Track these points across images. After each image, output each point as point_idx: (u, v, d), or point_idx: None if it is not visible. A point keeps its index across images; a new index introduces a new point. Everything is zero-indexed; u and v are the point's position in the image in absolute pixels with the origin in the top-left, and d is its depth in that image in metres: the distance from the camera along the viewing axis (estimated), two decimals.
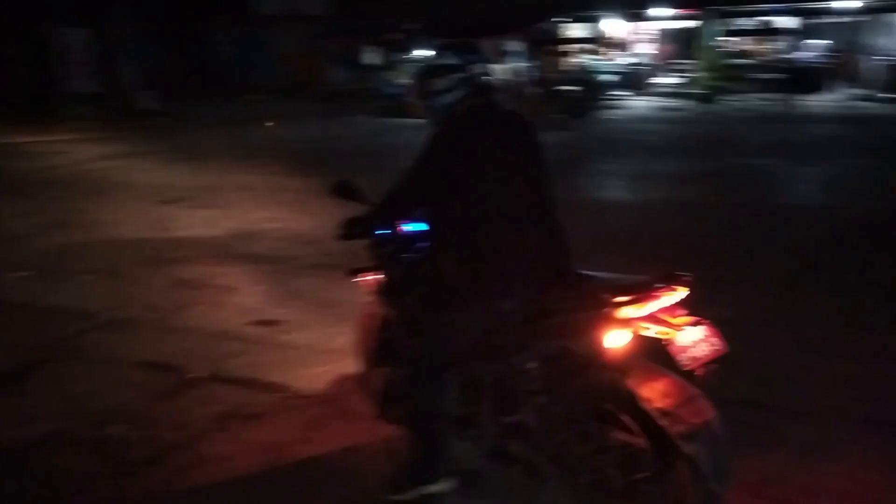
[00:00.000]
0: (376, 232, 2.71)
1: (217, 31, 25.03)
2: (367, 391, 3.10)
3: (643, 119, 17.38)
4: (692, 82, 20.13)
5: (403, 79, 19.67)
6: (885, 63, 20.08)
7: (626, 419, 2.22)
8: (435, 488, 2.53)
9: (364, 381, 3.19)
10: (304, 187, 8.89)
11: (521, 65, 20.85)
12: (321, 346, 4.17)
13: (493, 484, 2.68)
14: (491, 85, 2.55)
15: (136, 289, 5.39)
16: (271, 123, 17.39)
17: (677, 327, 2.15)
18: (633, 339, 2.21)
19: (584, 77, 19.49)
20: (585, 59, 21.54)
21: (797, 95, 18.20)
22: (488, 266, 2.38)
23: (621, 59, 22.25)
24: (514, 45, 22.28)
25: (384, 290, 2.85)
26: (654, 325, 2.18)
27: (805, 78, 18.72)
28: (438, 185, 2.43)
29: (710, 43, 21.76)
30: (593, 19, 22.83)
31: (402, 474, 2.56)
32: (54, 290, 5.39)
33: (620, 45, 22.56)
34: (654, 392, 2.16)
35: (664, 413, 2.10)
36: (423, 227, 2.67)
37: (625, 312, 2.18)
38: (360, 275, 2.99)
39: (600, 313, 2.21)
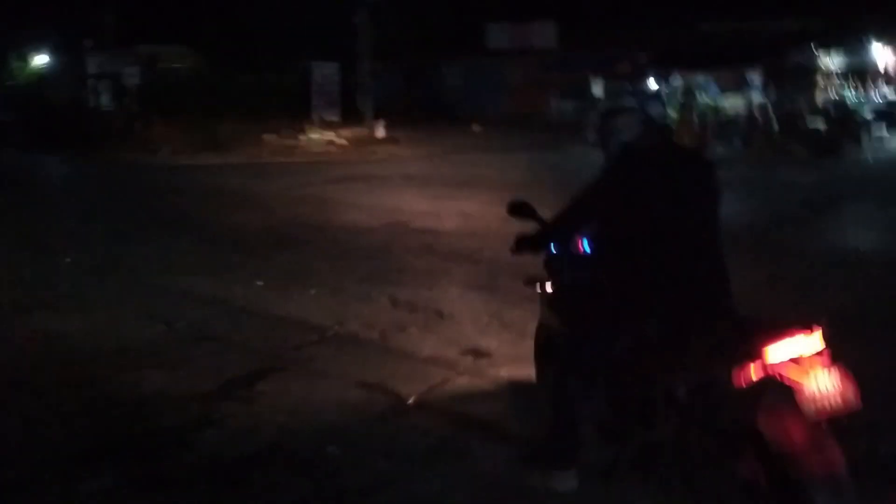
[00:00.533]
0: (550, 248, 2.99)
1: (448, 64, 26.32)
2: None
3: None
4: None
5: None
6: None
7: (752, 457, 2.22)
8: (560, 478, 2.75)
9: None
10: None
11: (760, 97, 19.20)
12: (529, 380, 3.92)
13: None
14: (667, 126, 2.82)
15: (358, 306, 5.58)
16: (479, 128, 17.60)
17: (807, 372, 2.09)
18: (769, 379, 2.17)
19: (837, 112, 17.42)
20: (845, 92, 19.24)
21: None
22: (640, 289, 2.57)
23: (889, 95, 19.52)
24: (754, 77, 20.67)
25: (551, 301, 3.14)
26: (788, 369, 2.13)
27: None
28: (604, 213, 2.67)
29: None
30: (856, 47, 20.39)
31: (534, 450, 2.86)
32: (286, 299, 5.76)
33: (887, 77, 19.86)
34: (783, 433, 2.12)
35: (788, 458, 2.09)
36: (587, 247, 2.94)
37: (766, 352, 2.16)
38: (534, 283, 3.28)
39: (742, 350, 2.22)
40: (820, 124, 16.61)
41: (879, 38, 19.80)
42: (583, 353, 2.70)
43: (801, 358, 2.13)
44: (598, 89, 20.09)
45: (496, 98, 25.44)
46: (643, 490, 2.63)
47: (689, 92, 18.34)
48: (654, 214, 2.55)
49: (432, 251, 7.45)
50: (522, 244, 2.99)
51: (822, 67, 20.71)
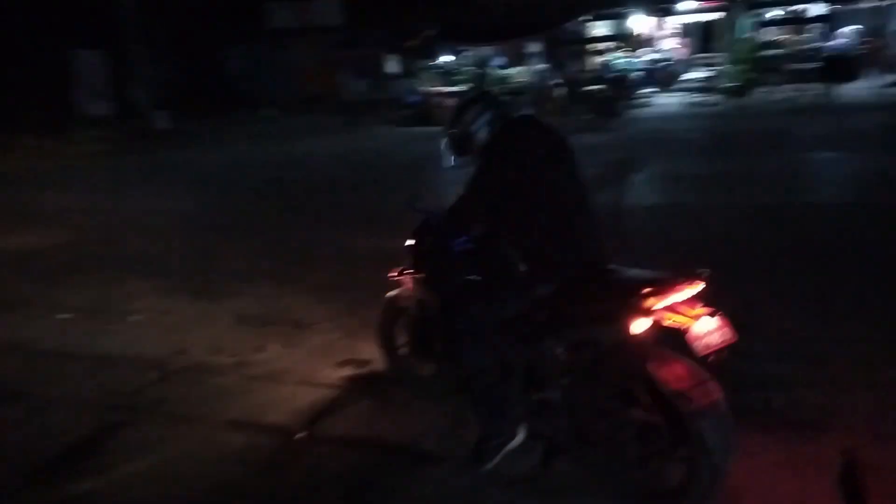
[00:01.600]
0: (453, 241, 2.96)
1: (230, 47, 24.57)
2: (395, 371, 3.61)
3: (676, 117, 16.74)
4: (722, 76, 19.48)
5: (426, 85, 19.20)
6: None
7: (645, 399, 2.45)
8: (516, 441, 2.81)
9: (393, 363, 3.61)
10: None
11: (544, 66, 20.29)
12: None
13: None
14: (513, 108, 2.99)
15: (198, 329, 4.83)
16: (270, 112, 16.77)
17: (694, 318, 2.34)
18: (653, 327, 2.40)
19: (612, 76, 18.90)
20: (611, 58, 20.93)
21: (833, 84, 17.52)
22: (538, 254, 2.66)
23: (647, 56, 21.62)
24: (534, 47, 21.77)
25: (426, 282, 3.17)
26: (674, 316, 2.36)
27: (840, 66, 17.96)
28: (499, 192, 2.70)
29: (740, 35, 21.15)
30: (618, 16, 22.26)
31: (481, 445, 2.80)
32: (103, 332, 4.83)
33: (646, 42, 21.95)
34: (669, 375, 2.37)
35: (678, 394, 2.33)
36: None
37: (648, 303, 2.36)
38: (403, 274, 3.31)
39: (626, 303, 2.41)
40: (599, 88, 17.86)
41: (637, 7, 21.75)
42: (476, 316, 2.74)
43: (686, 306, 2.38)
44: (392, 65, 19.96)
45: (285, 80, 24.28)
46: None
47: (482, 64, 18.81)
48: (545, 178, 2.69)
49: (269, 254, 6.77)
50: (422, 234, 3.17)
51: (593, 36, 22.39)
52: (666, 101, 19.63)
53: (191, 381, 4.01)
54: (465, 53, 20.53)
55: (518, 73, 20.38)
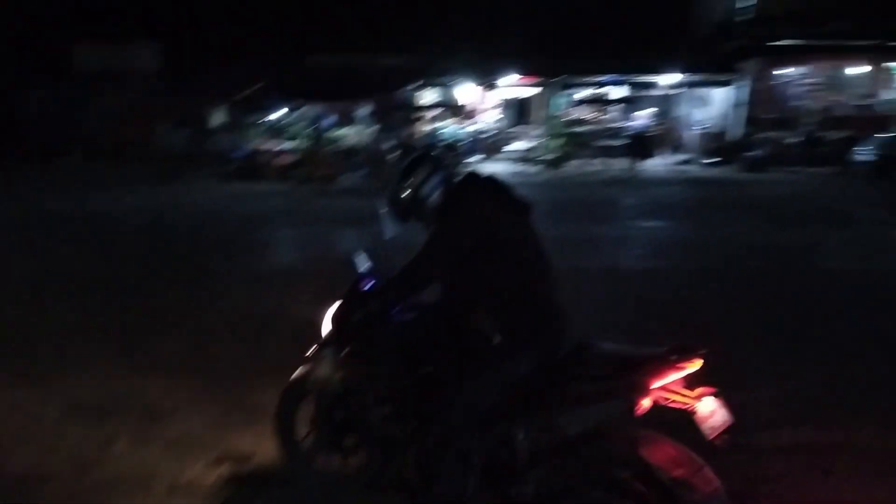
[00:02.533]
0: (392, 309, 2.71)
1: (31, 90, 21.97)
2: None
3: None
4: (540, 148, 20.88)
5: (254, 140, 18.47)
6: (701, 131, 22.34)
7: (640, 487, 2.25)
8: None
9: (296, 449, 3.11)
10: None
11: (376, 129, 20.48)
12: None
13: None
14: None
15: (18, 423, 3.94)
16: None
17: (696, 398, 2.21)
18: (648, 408, 2.25)
19: (443, 142, 19.50)
20: (439, 126, 21.63)
21: (635, 160, 19.45)
22: (515, 322, 2.42)
23: (472, 126, 22.64)
24: (364, 110, 21.92)
25: (356, 358, 2.77)
26: (677, 395, 2.24)
27: (641, 144, 20.10)
28: (464, 254, 2.46)
29: (555, 111, 22.91)
30: (446, 86, 23.15)
31: None
32: None
33: (471, 113, 22.99)
34: (666, 461, 2.21)
35: (678, 482, 2.16)
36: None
37: (647, 382, 2.22)
38: (323, 348, 2.84)
39: (623, 381, 2.26)
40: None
41: (464, 78, 22.81)
42: (458, 413, 2.44)
43: (683, 385, 2.25)
44: (218, 117, 18.99)
45: (95, 126, 22.12)
46: None
47: (316, 121, 18.51)
48: (512, 237, 2.51)
49: (98, 326, 5.83)
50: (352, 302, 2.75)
51: (422, 103, 23.08)
52: (490, 169, 20.58)
53: (10, 499, 3.20)
54: (297, 110, 20.12)
55: (350, 134, 20.34)
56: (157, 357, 5.01)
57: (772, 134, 19.65)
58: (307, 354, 2.94)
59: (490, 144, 22.89)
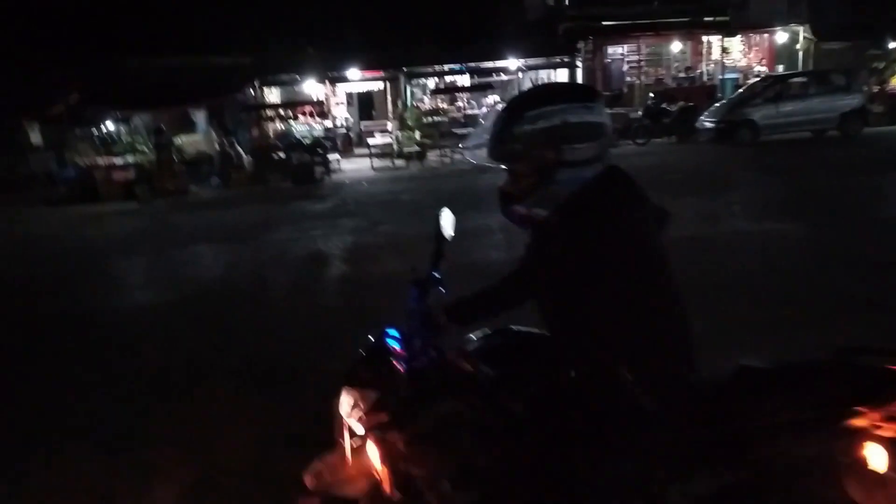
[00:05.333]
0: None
1: None
2: None
3: (376, 180, 16.72)
4: (398, 142, 20.29)
5: (84, 157, 16.13)
6: None
7: None
8: None
9: None
10: None
11: (222, 134, 18.76)
12: None
13: None
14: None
15: None
16: None
17: None
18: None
19: (308, 142, 18.31)
20: (290, 125, 20.28)
21: None
22: (652, 368, 1.74)
23: (325, 123, 21.52)
24: (201, 114, 20.05)
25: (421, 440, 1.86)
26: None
27: None
28: (591, 267, 1.71)
29: (407, 103, 22.40)
30: (290, 84, 21.80)
31: None
32: None
33: (320, 109, 21.83)
34: (886, 500, 1.69)
35: None
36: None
37: (863, 415, 1.66)
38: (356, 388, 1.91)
39: (834, 420, 1.69)
40: (292, 155, 17.07)
41: (308, 74, 21.60)
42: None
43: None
44: (35, 136, 16.37)
45: None
46: None
47: (159, 132, 16.50)
48: (660, 255, 1.79)
49: None
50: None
51: (267, 101, 21.57)
52: (352, 166, 19.66)
53: None
54: (128, 120, 17.88)
55: (193, 142, 18.49)
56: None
57: (619, 110, 20.49)
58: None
59: (345, 140, 21.96)
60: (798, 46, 23.28)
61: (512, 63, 23.23)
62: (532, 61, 23.72)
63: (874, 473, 1.73)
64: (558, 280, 1.78)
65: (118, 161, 15.75)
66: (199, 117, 19.78)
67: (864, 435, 1.71)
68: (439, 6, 24.21)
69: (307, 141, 18.23)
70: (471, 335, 2.06)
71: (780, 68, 23.06)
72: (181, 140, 18.16)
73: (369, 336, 2.00)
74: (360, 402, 1.84)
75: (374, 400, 1.82)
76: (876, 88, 19.37)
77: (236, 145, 17.93)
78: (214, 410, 4.01)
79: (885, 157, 13.05)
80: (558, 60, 23.75)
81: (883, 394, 1.67)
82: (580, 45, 23.47)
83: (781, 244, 7.00)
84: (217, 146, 18.07)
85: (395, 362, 1.86)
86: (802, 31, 22.96)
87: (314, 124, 20.57)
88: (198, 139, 18.82)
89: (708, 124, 17.31)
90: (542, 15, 25.14)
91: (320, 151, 17.30)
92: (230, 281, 7.61)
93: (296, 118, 20.93)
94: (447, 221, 2.13)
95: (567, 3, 23.83)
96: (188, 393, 4.31)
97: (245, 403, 4.07)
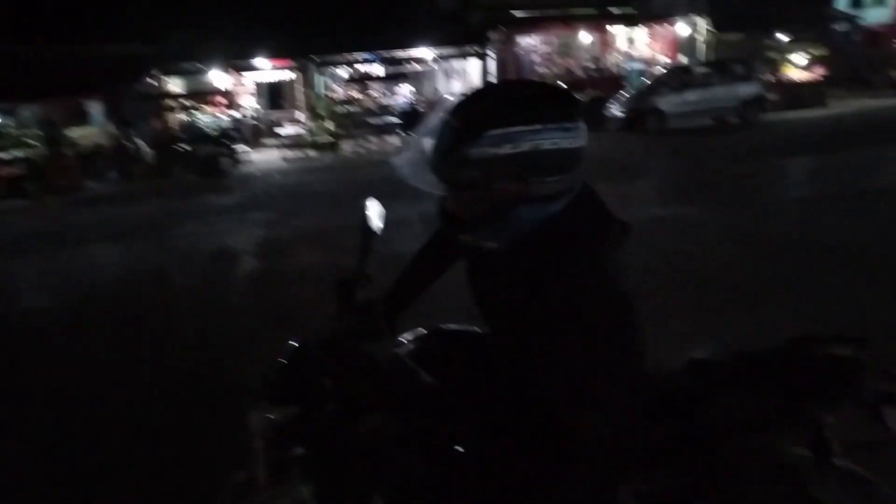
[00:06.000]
0: None
1: None
2: None
3: (288, 172, 16.17)
4: (310, 132, 19.71)
5: None
6: None
7: None
8: None
9: None
10: None
11: (117, 126, 17.66)
12: None
13: None
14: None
15: None
16: None
17: None
18: None
19: (214, 133, 17.49)
20: (193, 116, 19.32)
21: (410, 135, 19.21)
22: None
23: (231, 114, 20.64)
24: (93, 105, 18.83)
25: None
26: None
27: (413, 119, 19.94)
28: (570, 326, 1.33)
29: (318, 92, 21.80)
30: (192, 73, 20.72)
31: None
32: None
33: (226, 99, 20.92)
34: None
35: None
36: None
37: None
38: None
39: (792, 413, 1.63)
40: (197, 147, 16.27)
41: (211, 63, 20.63)
42: None
43: None
44: None
45: None
46: None
47: (50, 124, 15.33)
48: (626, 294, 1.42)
49: None
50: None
51: (168, 92, 20.47)
52: (261, 157, 18.97)
53: None
54: (10, 112, 16.54)
55: (88, 134, 17.33)
56: None
57: None
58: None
59: (252, 131, 21.15)
60: (699, 37, 24.19)
61: (425, 53, 23.02)
62: (444, 51, 23.59)
63: (834, 465, 1.67)
64: (510, 317, 1.44)
65: (4, 156, 14.56)
66: (95, 109, 18.60)
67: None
68: None
69: (213, 132, 17.42)
70: (401, 338, 1.86)
71: (683, 59, 23.92)
72: (75, 133, 17.00)
73: (290, 342, 1.76)
74: (280, 420, 1.59)
75: (296, 417, 1.59)
76: (772, 78, 20.33)
77: (135, 138, 16.91)
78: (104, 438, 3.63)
79: (783, 143, 13.69)
80: (470, 50, 23.73)
81: (839, 384, 1.60)
82: (491, 35, 23.52)
83: (692, 228, 7.13)
84: (114, 138, 17.00)
85: (319, 372, 1.63)
86: (702, 23, 23.86)
87: (220, 115, 19.70)
88: (94, 131, 17.67)
89: (617, 113, 17.69)
90: (454, 4, 25.03)
91: (227, 143, 16.57)
92: (130, 282, 7.07)
93: (201, 109, 20.00)
94: (375, 213, 1.91)
95: None
96: (80, 416, 3.90)
97: (147, 427, 3.72)
